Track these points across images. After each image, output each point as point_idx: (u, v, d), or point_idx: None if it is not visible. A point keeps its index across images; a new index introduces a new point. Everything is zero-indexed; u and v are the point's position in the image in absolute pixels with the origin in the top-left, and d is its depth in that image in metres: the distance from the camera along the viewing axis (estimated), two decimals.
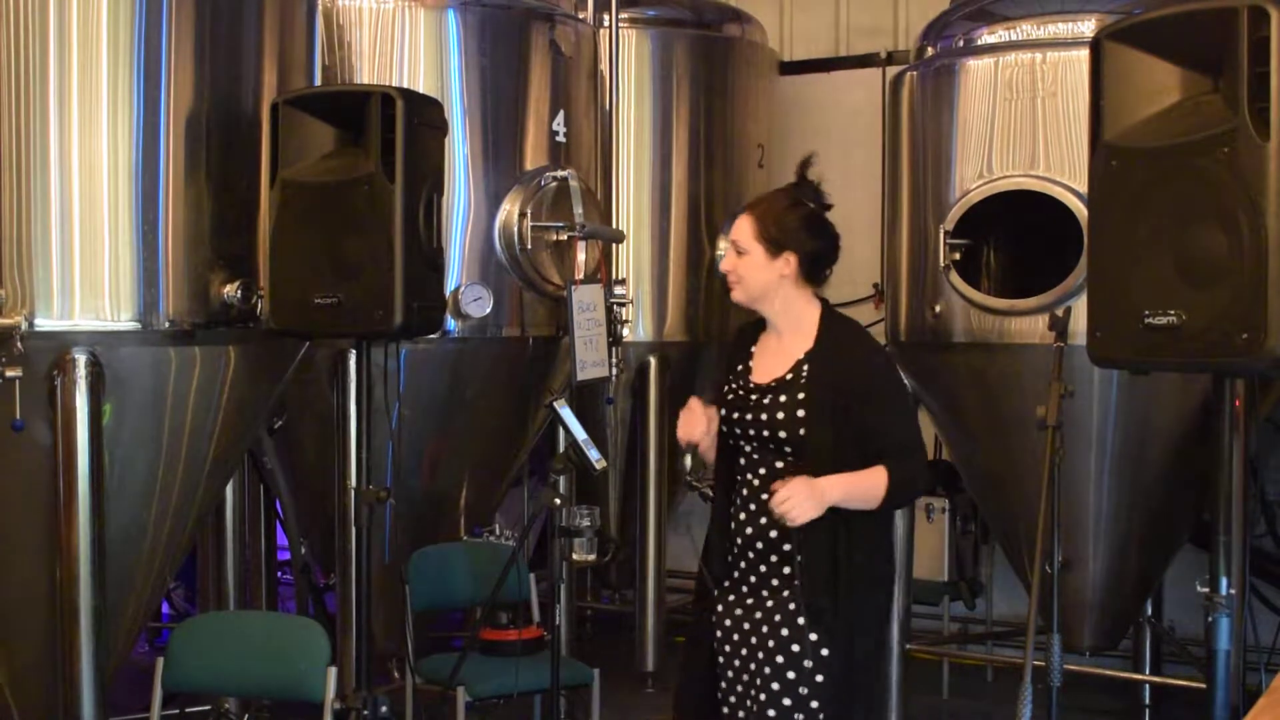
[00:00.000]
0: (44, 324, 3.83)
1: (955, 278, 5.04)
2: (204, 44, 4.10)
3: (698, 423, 3.24)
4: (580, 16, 5.62)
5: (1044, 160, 4.86)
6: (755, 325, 3.35)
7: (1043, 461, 3.66)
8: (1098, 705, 5.89)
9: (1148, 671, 5.82)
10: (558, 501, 4.08)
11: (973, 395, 5.16)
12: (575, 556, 4.49)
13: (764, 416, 3.17)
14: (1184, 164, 2.92)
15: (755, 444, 3.21)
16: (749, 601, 3.22)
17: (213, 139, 4.13)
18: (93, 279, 3.89)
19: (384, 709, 4.19)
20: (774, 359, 3.25)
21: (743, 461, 3.24)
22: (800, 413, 3.13)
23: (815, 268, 3.23)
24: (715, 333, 6.19)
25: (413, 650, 4.71)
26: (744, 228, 3.21)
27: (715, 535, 3.31)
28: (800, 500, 3.01)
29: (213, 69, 4.14)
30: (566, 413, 4.18)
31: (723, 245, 6.22)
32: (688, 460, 6.13)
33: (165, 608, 6.66)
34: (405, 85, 4.81)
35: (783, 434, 3.14)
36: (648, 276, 6.11)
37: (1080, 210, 4.63)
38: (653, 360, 5.98)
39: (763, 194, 3.34)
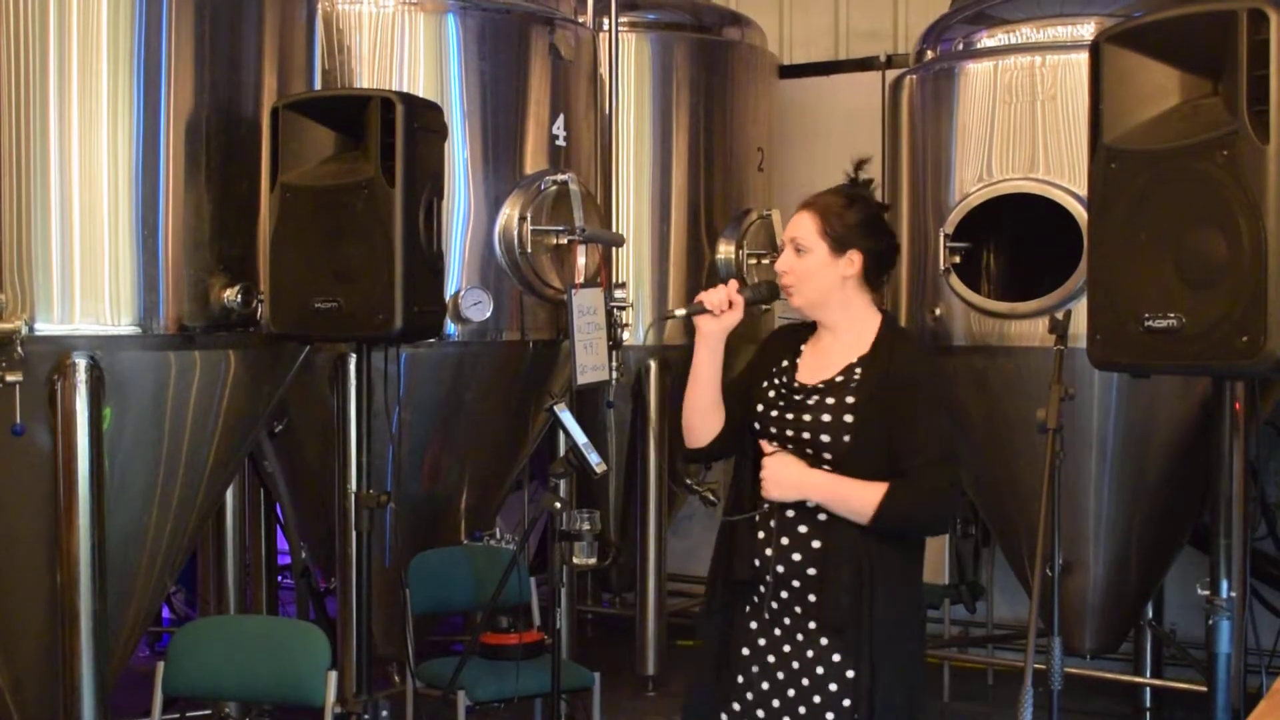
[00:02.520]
0: (44, 328, 3.83)
1: (955, 281, 5.04)
2: (204, 48, 4.11)
3: (721, 293, 3.02)
4: (580, 20, 5.62)
5: (1043, 163, 4.87)
6: (803, 326, 3.14)
7: (1043, 464, 3.65)
8: (1098, 708, 5.89)
9: (1148, 674, 5.82)
10: (558, 505, 4.08)
11: (973, 398, 5.16)
12: (576, 560, 4.49)
13: (807, 418, 2.97)
14: (1183, 167, 2.92)
15: (791, 446, 2.99)
16: (783, 618, 3.01)
17: (213, 143, 4.13)
18: (93, 283, 3.90)
19: (384, 713, 4.19)
20: (823, 361, 3.04)
21: None
22: (848, 418, 2.93)
23: (878, 269, 3.04)
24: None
25: (413, 654, 4.71)
26: (805, 224, 3.00)
27: (737, 543, 3.07)
28: (773, 474, 2.93)
29: (213, 73, 4.14)
30: (567, 416, 4.18)
31: (724, 250, 6.23)
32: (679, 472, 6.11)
33: (165, 612, 6.66)
34: (405, 89, 4.81)
35: (826, 438, 2.94)
36: (648, 280, 6.11)
37: (1080, 213, 4.64)
38: (653, 364, 5.98)
39: (818, 192, 3.10)
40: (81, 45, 3.86)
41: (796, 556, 2.98)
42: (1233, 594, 3.23)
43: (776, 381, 3.08)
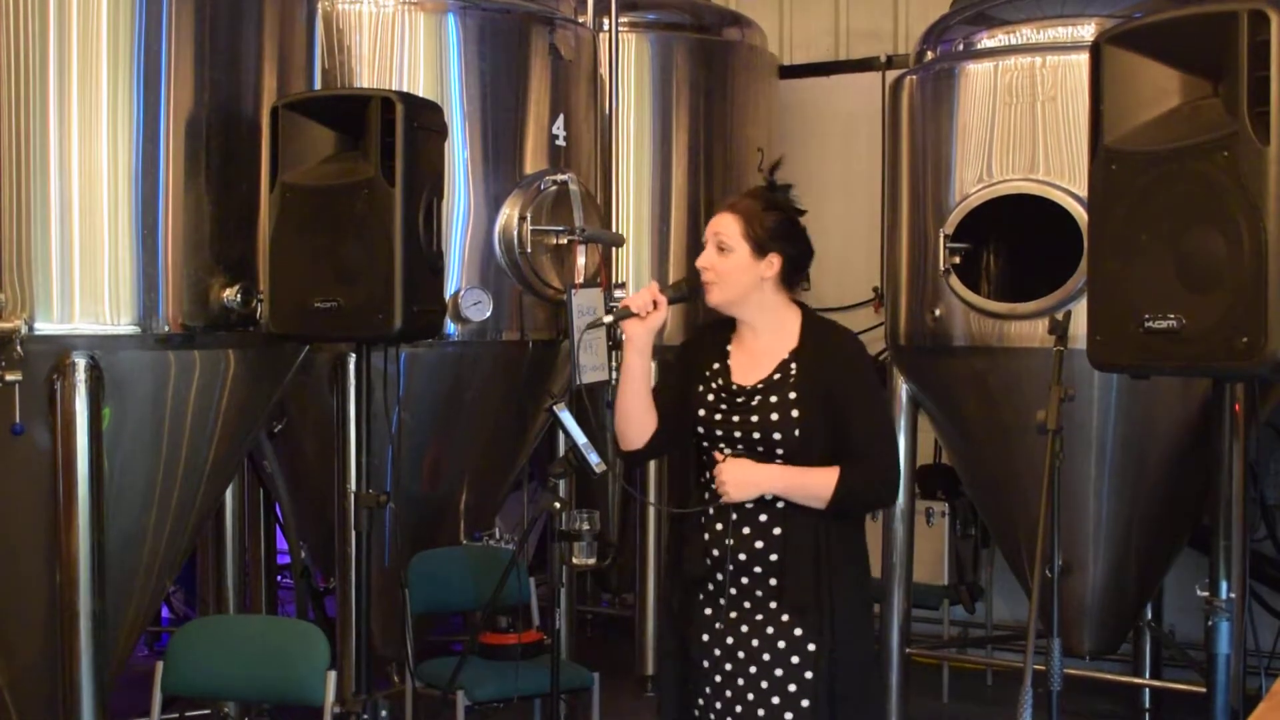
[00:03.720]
0: (44, 328, 3.83)
1: (955, 282, 5.04)
2: (204, 48, 4.10)
3: (645, 296, 3.13)
4: (580, 20, 5.62)
5: (1044, 164, 4.86)
6: (721, 325, 3.24)
7: (1043, 465, 3.65)
8: (1098, 709, 5.89)
9: (1148, 675, 5.81)
10: (557, 505, 4.07)
11: (973, 399, 5.16)
12: (575, 560, 4.49)
13: (755, 419, 3.09)
14: (1184, 168, 2.92)
15: (740, 447, 3.12)
16: (738, 604, 3.13)
17: (213, 143, 4.13)
18: (92, 283, 3.89)
19: (384, 713, 4.19)
20: (754, 360, 3.16)
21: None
22: (794, 412, 3.06)
23: (795, 272, 3.17)
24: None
25: (412, 654, 4.71)
26: (729, 225, 3.12)
27: (689, 542, 3.20)
28: (730, 478, 3.02)
29: (212, 73, 4.14)
30: (566, 416, 4.17)
31: None
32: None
33: (165, 611, 6.66)
34: (405, 89, 4.81)
35: (777, 435, 3.07)
36: (648, 280, 6.08)
37: (1080, 214, 4.63)
38: (653, 364, 5.96)
39: (739, 194, 3.24)
40: (81, 45, 3.85)
41: (759, 544, 3.10)
42: (1232, 595, 3.22)
43: (714, 385, 3.18)
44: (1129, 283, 3.04)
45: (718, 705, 3.16)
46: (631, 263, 5.99)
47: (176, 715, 4.93)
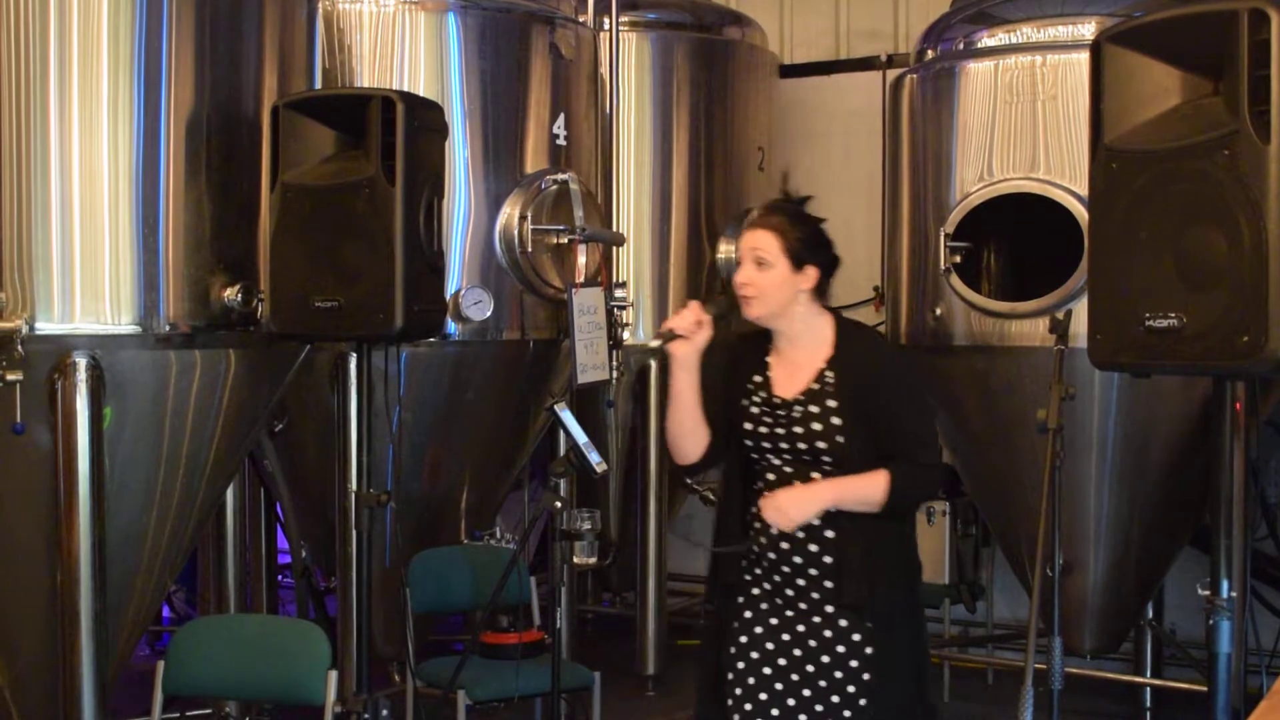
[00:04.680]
0: (44, 327, 3.83)
1: (956, 280, 5.04)
2: (204, 47, 4.11)
3: (689, 316, 3.17)
4: (580, 19, 5.62)
5: (1044, 163, 4.87)
6: (757, 336, 3.29)
7: (1043, 464, 3.66)
8: (1099, 708, 5.89)
9: (1149, 674, 5.81)
10: (558, 505, 4.07)
11: (973, 398, 5.16)
12: (576, 559, 4.49)
13: (799, 430, 3.12)
14: (1184, 167, 2.92)
15: (788, 457, 3.16)
16: (783, 614, 3.17)
17: (213, 142, 4.13)
18: (93, 282, 3.90)
19: (384, 712, 4.19)
20: (793, 371, 3.20)
21: (771, 476, 3.18)
22: (836, 420, 3.10)
23: (828, 280, 3.23)
24: (716, 335, 6.17)
25: (413, 653, 4.71)
26: (767, 241, 3.16)
27: (727, 551, 3.25)
28: (785, 507, 3.04)
29: (213, 72, 4.14)
30: (567, 416, 4.17)
31: (724, 249, 6.23)
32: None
33: (166, 611, 6.66)
34: (405, 88, 4.81)
35: (822, 444, 3.10)
36: (648, 279, 6.11)
37: (1081, 213, 4.64)
38: (653, 363, 5.98)
39: (766, 208, 3.27)
40: (82, 45, 3.86)
41: (813, 547, 3.13)
42: (1233, 594, 3.23)
43: (756, 399, 3.23)
44: (1130, 281, 3.04)
45: (747, 707, 3.17)
46: (632, 262, 5.99)
47: (177, 715, 4.93)
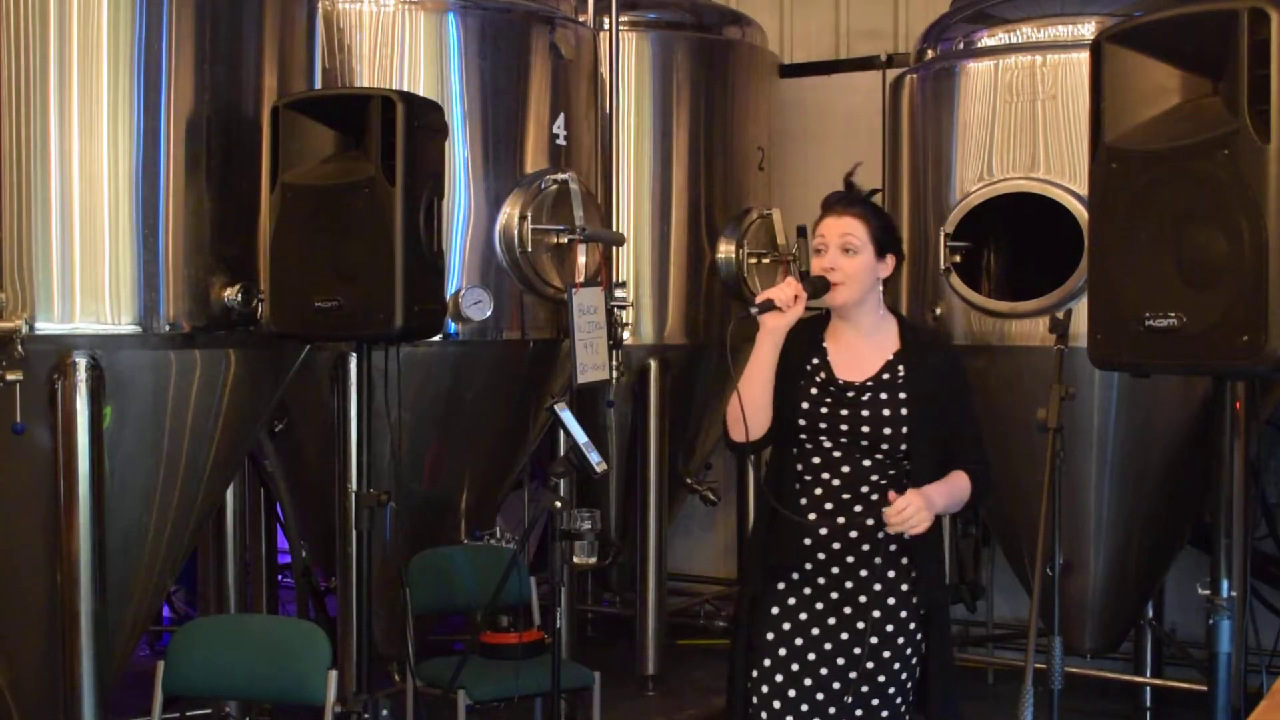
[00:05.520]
0: (44, 327, 3.83)
1: (956, 280, 5.04)
2: (204, 47, 4.10)
3: (789, 290, 3.16)
4: (580, 19, 5.62)
5: (1044, 163, 4.87)
6: (810, 323, 3.28)
7: (1043, 464, 3.66)
8: (1099, 708, 5.89)
9: (1149, 674, 5.81)
10: (558, 504, 4.08)
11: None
12: (576, 559, 4.49)
13: (865, 413, 3.16)
14: (1184, 166, 2.92)
15: (844, 441, 3.18)
16: (827, 598, 3.21)
17: (213, 142, 4.13)
18: (93, 282, 3.89)
19: (385, 712, 4.19)
20: (857, 357, 3.23)
21: (817, 460, 3.20)
22: (904, 411, 3.16)
23: (899, 272, 3.36)
24: (716, 335, 6.19)
25: (413, 653, 4.71)
26: (856, 227, 3.19)
27: (776, 532, 3.25)
28: (917, 511, 3.06)
29: (213, 72, 4.14)
30: (567, 416, 4.17)
31: (724, 249, 6.23)
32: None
33: (166, 611, 6.66)
34: (405, 88, 4.81)
35: (887, 430, 3.15)
36: (648, 279, 6.10)
37: (1080, 212, 4.64)
38: (653, 363, 5.98)
39: (839, 197, 3.27)
40: (82, 45, 3.85)
41: (892, 547, 3.22)
42: (1233, 594, 3.23)
43: (817, 379, 3.24)
44: (1129, 281, 3.04)
45: (791, 694, 3.22)
46: (632, 262, 5.99)
47: (178, 715, 4.93)
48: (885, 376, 3.21)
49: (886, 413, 3.17)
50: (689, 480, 6.53)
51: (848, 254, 3.19)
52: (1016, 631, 6.16)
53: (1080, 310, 3.55)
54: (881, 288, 3.26)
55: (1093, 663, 5.47)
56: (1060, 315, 3.89)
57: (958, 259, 5.03)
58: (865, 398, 3.18)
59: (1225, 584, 3.22)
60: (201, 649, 3.80)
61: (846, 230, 3.19)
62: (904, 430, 3.16)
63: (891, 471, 3.18)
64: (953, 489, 3.20)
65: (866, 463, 3.18)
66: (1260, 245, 2.77)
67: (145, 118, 3.95)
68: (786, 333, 3.18)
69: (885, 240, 3.21)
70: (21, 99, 3.79)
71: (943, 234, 5.03)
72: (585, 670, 4.75)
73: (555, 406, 4.27)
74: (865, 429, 3.16)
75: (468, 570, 4.92)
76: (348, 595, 4.79)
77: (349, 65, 4.98)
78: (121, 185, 3.92)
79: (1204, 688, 3.37)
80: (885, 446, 3.17)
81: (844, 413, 3.18)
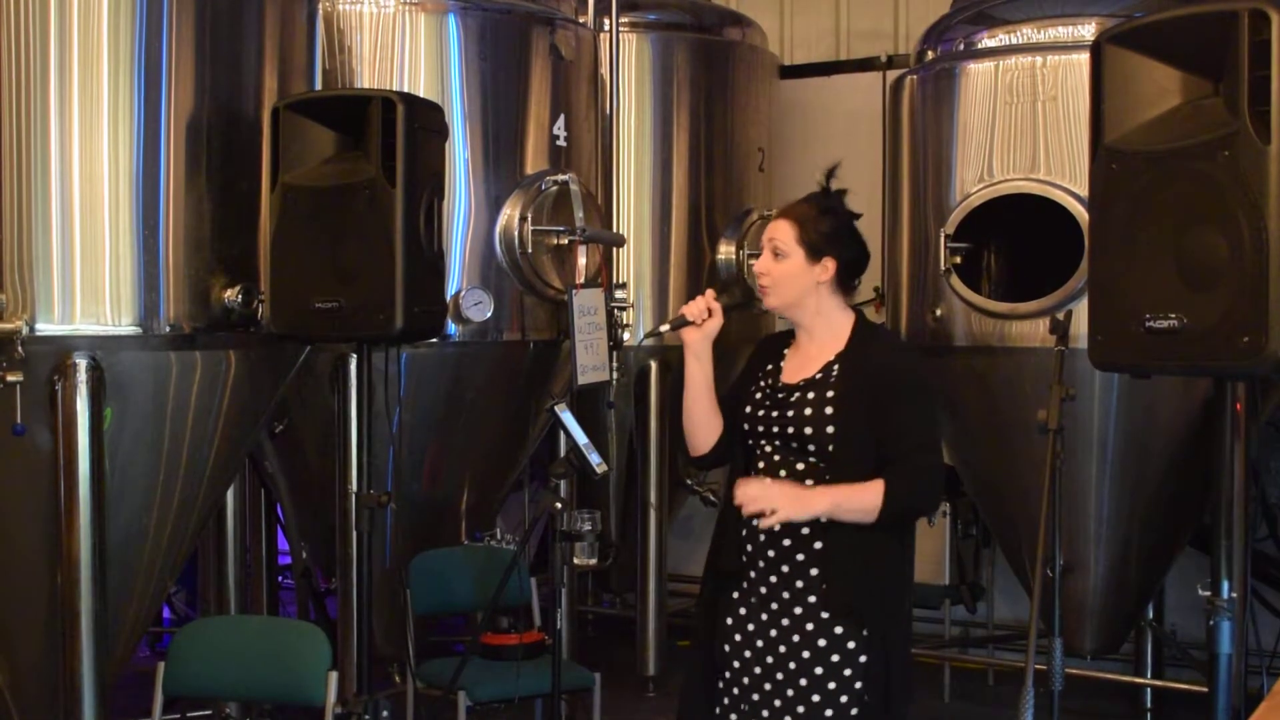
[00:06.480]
0: (45, 328, 3.83)
1: (956, 281, 5.04)
2: (204, 48, 4.11)
3: (700, 303, 3.18)
4: (580, 20, 5.62)
5: (1044, 164, 4.87)
6: (785, 334, 3.31)
7: (1044, 465, 3.65)
8: (1099, 709, 5.89)
9: (1149, 675, 5.82)
10: (559, 505, 4.08)
11: (973, 399, 5.16)
12: (576, 560, 4.49)
13: (790, 414, 3.11)
14: (1185, 167, 2.92)
15: (779, 443, 3.14)
16: (770, 605, 3.14)
17: (213, 143, 4.13)
18: (93, 283, 3.89)
19: (385, 713, 4.19)
20: (805, 361, 3.20)
21: (762, 465, 3.17)
22: (829, 410, 3.08)
23: (849, 275, 3.22)
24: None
25: (414, 654, 4.71)
26: (784, 231, 3.17)
27: (726, 535, 3.23)
28: (770, 501, 2.98)
29: (213, 73, 4.14)
30: (567, 417, 4.17)
31: (724, 250, 6.23)
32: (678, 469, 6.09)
33: (166, 612, 6.66)
34: (406, 89, 4.81)
35: (809, 430, 3.08)
36: (648, 280, 6.11)
37: (1081, 213, 4.64)
38: (653, 364, 5.98)
39: (794, 200, 3.28)
40: (82, 45, 3.86)
41: (800, 557, 3.11)
42: (1234, 595, 3.22)
43: (763, 384, 3.24)
44: (1130, 282, 3.03)
45: (743, 707, 3.16)
46: (632, 263, 5.99)
47: (178, 716, 4.94)
48: (818, 377, 3.14)
49: (809, 412, 3.09)
50: (689, 481, 6.53)
51: (777, 258, 3.17)
52: (1017, 633, 6.16)
53: (1080, 311, 3.54)
54: (837, 290, 3.19)
55: (1093, 664, 5.47)
56: (1060, 316, 3.88)
57: (958, 260, 5.04)
58: (795, 398, 3.13)
59: (1226, 585, 3.21)
60: (202, 650, 3.80)
61: (774, 234, 3.19)
62: (829, 430, 3.07)
63: (827, 476, 3.08)
64: (851, 494, 3.02)
65: (800, 466, 3.11)
66: (1261, 246, 2.77)
67: (145, 119, 3.95)
68: (710, 344, 3.18)
69: (821, 244, 3.14)
70: (22, 100, 3.79)
71: (943, 235, 5.03)
72: (585, 671, 4.75)
73: (555, 407, 4.27)
74: (792, 430, 3.11)
75: (468, 571, 4.92)
76: (348, 596, 4.79)
77: (349, 66, 4.98)
78: (122, 186, 3.92)
79: (1204, 689, 3.36)
80: (813, 448, 3.09)
81: (776, 414, 3.15)
